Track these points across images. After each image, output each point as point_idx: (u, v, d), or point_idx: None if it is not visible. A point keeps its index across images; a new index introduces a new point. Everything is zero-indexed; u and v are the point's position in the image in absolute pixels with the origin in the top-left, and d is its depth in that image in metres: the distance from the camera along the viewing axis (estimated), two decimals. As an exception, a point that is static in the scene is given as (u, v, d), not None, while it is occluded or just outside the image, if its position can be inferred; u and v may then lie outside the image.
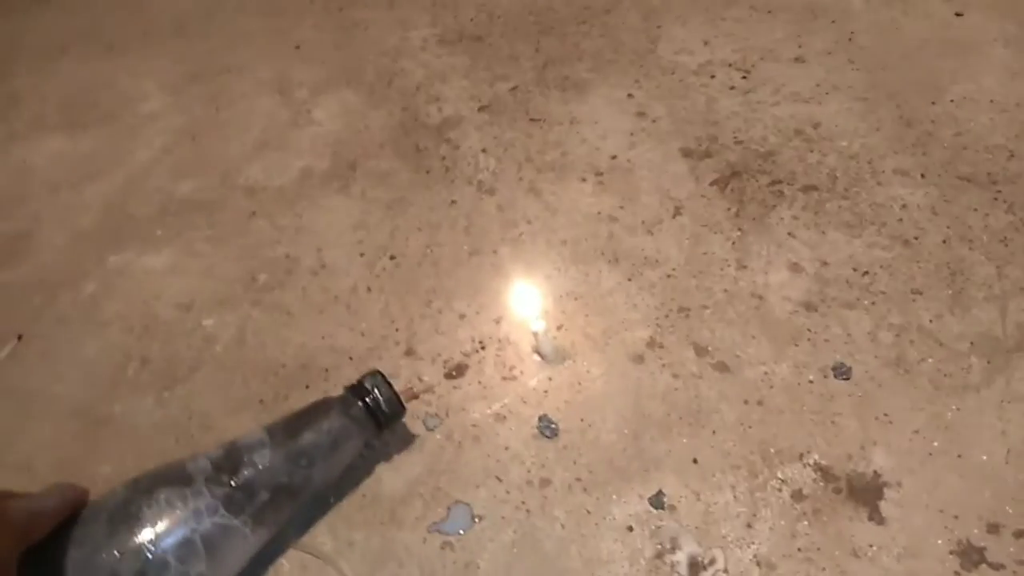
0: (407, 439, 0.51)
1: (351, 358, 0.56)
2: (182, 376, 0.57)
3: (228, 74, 0.86)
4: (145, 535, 0.40)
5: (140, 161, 0.76)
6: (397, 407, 0.48)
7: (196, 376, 0.56)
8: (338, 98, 0.80)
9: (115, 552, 0.40)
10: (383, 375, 0.48)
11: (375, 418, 0.47)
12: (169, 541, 0.40)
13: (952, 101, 0.70)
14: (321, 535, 0.47)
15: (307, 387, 0.55)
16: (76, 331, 0.61)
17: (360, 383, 0.47)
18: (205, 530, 0.41)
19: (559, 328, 0.57)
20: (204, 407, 0.54)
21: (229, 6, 0.96)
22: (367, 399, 0.47)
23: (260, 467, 0.43)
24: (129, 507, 0.41)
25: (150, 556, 0.40)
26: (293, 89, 0.82)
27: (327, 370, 0.56)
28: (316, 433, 0.45)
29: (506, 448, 0.50)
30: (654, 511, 0.46)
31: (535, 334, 0.55)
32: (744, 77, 0.76)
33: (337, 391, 0.49)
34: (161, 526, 0.41)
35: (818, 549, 0.44)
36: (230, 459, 0.44)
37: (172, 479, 0.43)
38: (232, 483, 0.42)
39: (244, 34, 0.91)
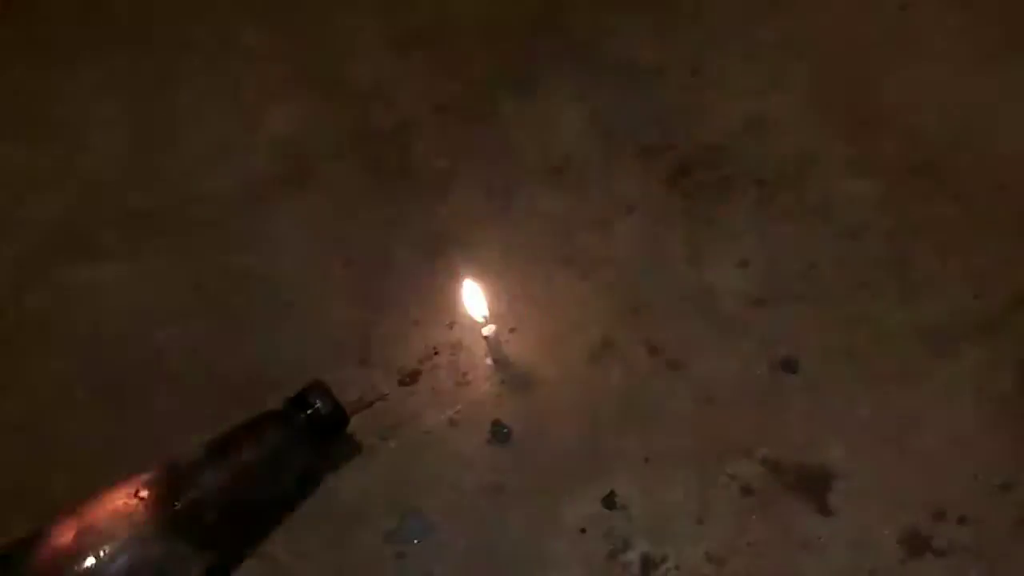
0: (360, 449, 0.51)
1: (306, 368, 0.56)
2: (131, 392, 0.56)
3: (176, 81, 0.84)
4: (91, 569, 0.40)
5: (88, 172, 0.75)
6: (339, 417, 0.47)
7: (146, 391, 0.56)
8: (290, 103, 0.79)
9: None
10: (324, 385, 0.47)
11: (318, 430, 0.46)
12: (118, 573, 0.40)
13: (899, 94, 0.71)
14: (277, 549, 0.47)
15: (260, 400, 0.54)
16: (21, 348, 0.60)
17: (301, 395, 0.47)
18: (154, 557, 0.41)
19: (512, 331, 0.57)
20: (155, 425, 0.54)
21: (170, 14, 0.95)
22: (309, 410, 0.46)
23: (204, 487, 0.43)
24: (74, 540, 0.40)
25: None
26: (243, 93, 0.81)
27: (279, 382, 0.55)
28: (259, 447, 0.45)
29: (459, 454, 0.50)
30: (606, 512, 0.47)
31: (487, 338, 0.55)
32: (693, 74, 0.76)
33: None
34: (106, 557, 0.40)
35: (767, 543, 0.45)
36: (172, 482, 0.43)
37: (114, 508, 0.42)
38: (176, 506, 0.42)
39: (192, 41, 0.90)
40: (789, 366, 0.52)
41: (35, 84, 0.88)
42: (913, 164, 0.64)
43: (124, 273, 0.65)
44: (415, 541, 0.46)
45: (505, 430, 0.51)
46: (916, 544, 0.44)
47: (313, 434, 0.46)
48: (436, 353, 0.56)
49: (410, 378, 0.55)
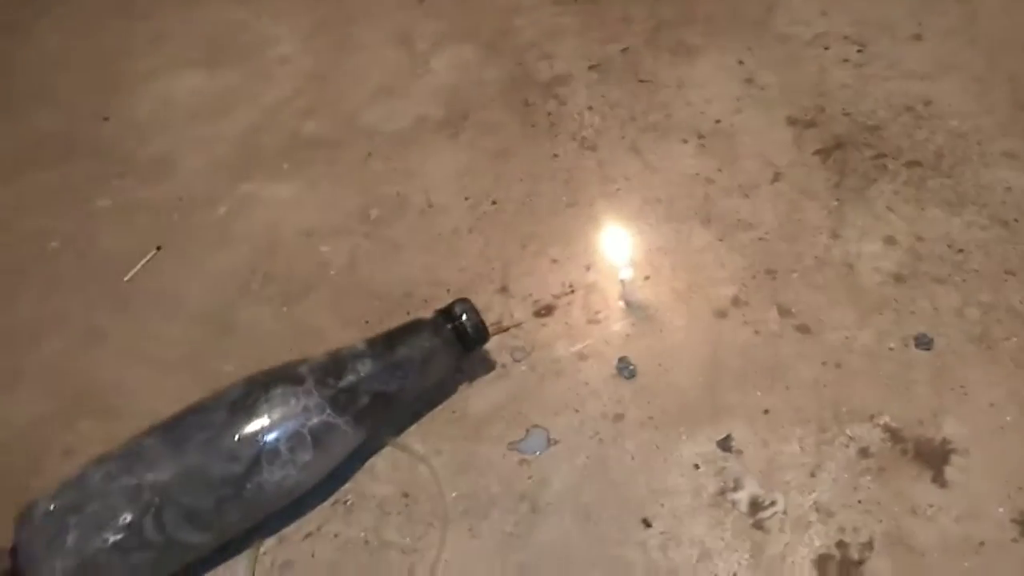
0: (494, 368, 0.55)
1: (449, 290, 0.61)
2: (299, 293, 0.62)
3: (355, 24, 0.91)
4: (260, 424, 0.46)
5: (271, 99, 0.82)
6: (482, 333, 0.52)
7: (311, 294, 0.62)
8: (456, 51, 0.84)
9: (234, 437, 0.46)
10: (471, 303, 0.52)
11: (462, 340, 0.51)
12: (281, 432, 0.46)
13: (1075, 86, 0.68)
14: (413, 442, 0.52)
15: (408, 313, 0.59)
16: (208, 246, 0.67)
17: (450, 308, 0.52)
18: (312, 425, 0.47)
19: (646, 279, 0.59)
20: (317, 322, 0.60)
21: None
22: (456, 323, 0.51)
23: (361, 374, 0.48)
24: (247, 399, 0.47)
25: (264, 443, 0.46)
26: (415, 41, 0.87)
27: (427, 300, 0.60)
28: (410, 348, 0.50)
29: (585, 383, 0.53)
30: (721, 453, 0.49)
31: (622, 282, 0.57)
32: (859, 51, 0.75)
33: None
34: (275, 418, 0.46)
35: (878, 503, 0.46)
36: (336, 366, 0.49)
37: (286, 378, 0.48)
38: (338, 386, 0.48)
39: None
40: (923, 343, 0.52)
41: (226, 18, 0.96)
42: (1082, 160, 0.62)
43: (296, 192, 0.71)
44: (537, 452, 0.50)
45: (631, 367, 0.54)
46: (1032, 526, 0.44)
47: (457, 343, 0.51)
48: (572, 291, 0.59)
49: (545, 310, 0.58)
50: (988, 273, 0.56)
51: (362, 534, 0.48)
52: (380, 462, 0.51)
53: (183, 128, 0.81)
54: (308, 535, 0.48)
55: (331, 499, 0.50)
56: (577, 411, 0.52)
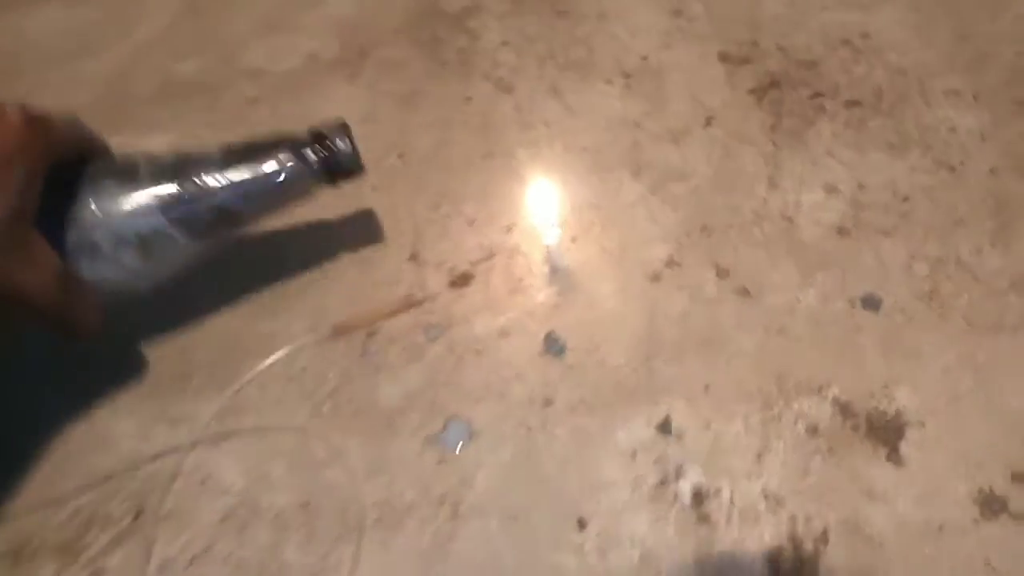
0: (407, 349, 0.49)
1: (351, 260, 0.54)
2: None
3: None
4: (88, 215, 0.40)
5: (140, 37, 0.72)
6: (353, 164, 0.46)
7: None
8: (351, -22, 0.74)
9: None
10: (348, 129, 0.46)
11: (328, 170, 0.46)
12: (104, 228, 0.41)
13: (1015, 17, 0.64)
14: (313, 436, 0.45)
15: (304, 289, 0.52)
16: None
17: (321, 131, 0.46)
18: (142, 231, 0.41)
19: (573, 240, 0.53)
20: (197, 302, 0.52)
21: None
22: (325, 151, 0.45)
23: (206, 184, 0.43)
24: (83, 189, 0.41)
25: (90, 234, 0.40)
26: (304, -34, 0.76)
27: (326, 271, 0.53)
28: (267, 170, 0.44)
29: (509, 364, 0.48)
30: (660, 437, 0.44)
31: (547, 246, 0.51)
32: (792, -23, 0.69)
33: (332, 298, 0.49)
34: (101, 212, 0.41)
35: (831, 487, 0.42)
36: (180, 169, 0.43)
37: (118, 171, 0.42)
38: (179, 193, 0.42)
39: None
40: (871, 303, 0.49)
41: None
42: (1022, 98, 0.59)
43: (173, 144, 0.62)
44: (457, 447, 0.45)
45: (559, 343, 0.48)
46: (991, 505, 0.41)
47: (323, 172, 0.46)
48: (491, 256, 0.53)
49: (462, 280, 0.52)
50: (935, 223, 0.52)
51: (258, 555, 0.42)
52: (275, 467, 0.44)
53: (38, 72, 0.70)
54: (194, 558, 0.42)
55: (219, 514, 0.43)
56: (501, 396, 0.46)
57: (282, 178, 0.44)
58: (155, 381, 0.48)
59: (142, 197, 0.41)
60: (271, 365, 0.49)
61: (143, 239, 0.41)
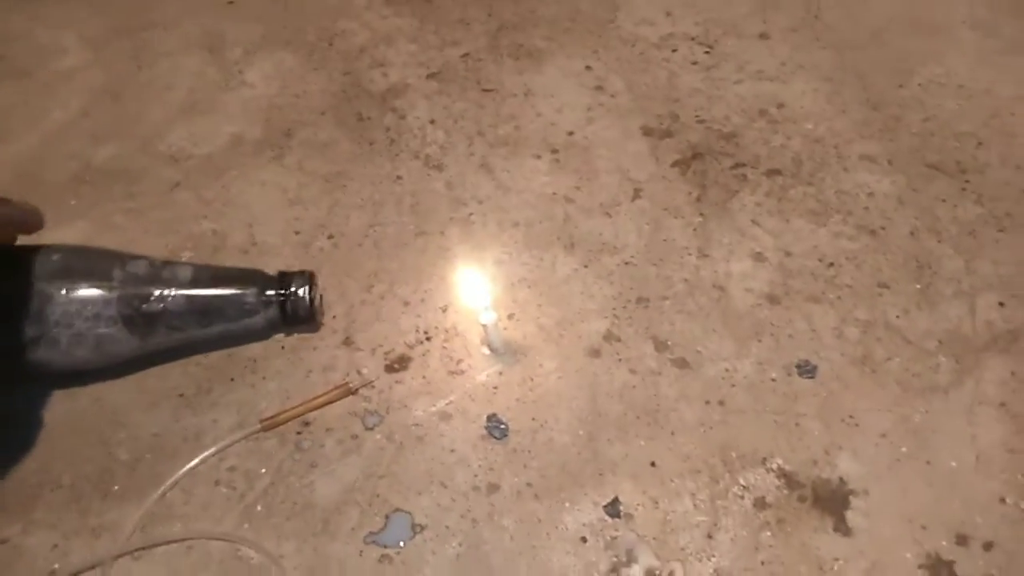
0: (343, 440, 0.47)
1: (282, 347, 0.52)
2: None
3: (153, 29, 0.78)
4: (54, 306, 0.45)
5: (55, 122, 0.69)
6: (305, 314, 0.50)
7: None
8: (274, 59, 0.74)
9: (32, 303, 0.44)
10: (312, 280, 0.50)
11: (284, 315, 0.50)
12: (65, 325, 0.45)
13: (920, 84, 0.68)
14: (246, 549, 0.43)
15: (232, 379, 0.50)
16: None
17: (287, 275, 0.50)
18: (99, 332, 0.45)
19: (510, 317, 0.53)
20: (120, 398, 0.49)
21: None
22: (285, 297, 0.49)
23: (170, 308, 0.47)
24: (53, 281, 0.45)
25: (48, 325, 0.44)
26: (224, 48, 0.76)
27: (254, 360, 0.51)
28: (229, 303, 0.48)
29: (451, 450, 0.46)
30: (609, 520, 0.43)
31: (484, 326, 0.50)
32: (707, 52, 0.72)
33: (262, 390, 0.48)
34: (68, 308, 0.45)
35: (782, 563, 0.41)
36: (149, 282, 0.47)
37: (95, 274, 0.46)
38: (140, 309, 0.46)
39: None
40: (806, 370, 0.49)
41: (-5, 23, 0.81)
42: (934, 161, 0.61)
43: (88, 234, 0.59)
44: (400, 544, 0.42)
45: (502, 425, 0.47)
46: (939, 570, 0.41)
47: (280, 316, 0.50)
48: (428, 338, 0.52)
49: (399, 363, 0.50)
50: (862, 287, 0.53)
51: None
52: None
53: (-58, 158, 0.66)
54: None
55: (147, 635, 0.40)
56: (444, 486, 0.45)
57: (240, 310, 0.49)
58: (75, 486, 0.45)
59: (110, 299, 0.45)
60: (197, 465, 0.46)
61: (98, 337, 0.45)
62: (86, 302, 0.45)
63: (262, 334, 0.51)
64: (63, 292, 0.45)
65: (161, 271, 0.48)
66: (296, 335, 0.52)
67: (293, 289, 0.49)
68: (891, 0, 0.76)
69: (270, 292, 0.49)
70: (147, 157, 0.65)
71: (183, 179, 0.63)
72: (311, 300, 0.50)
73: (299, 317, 0.50)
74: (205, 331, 0.49)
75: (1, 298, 0.44)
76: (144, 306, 0.46)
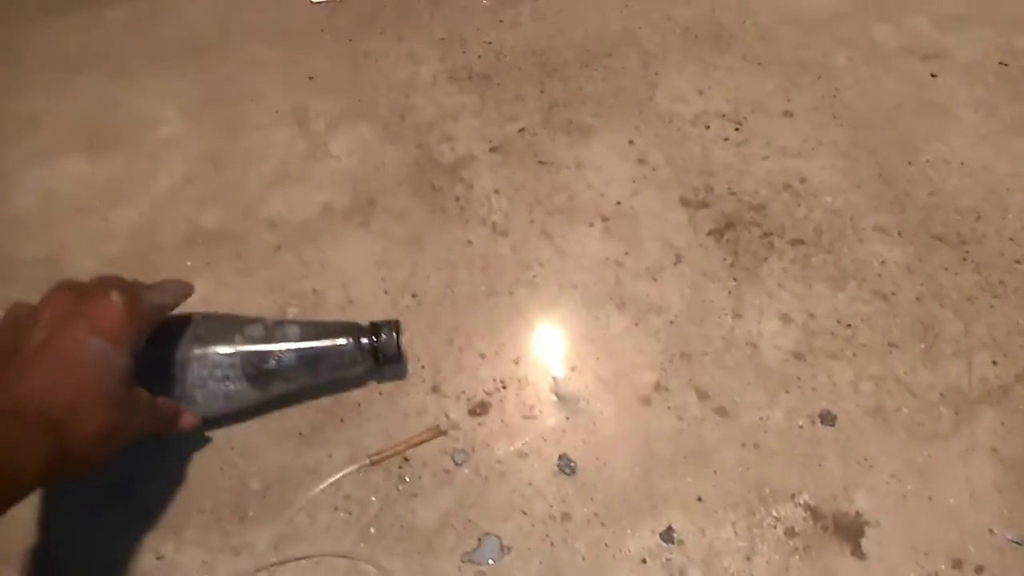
0: (438, 473, 0.56)
1: (381, 393, 0.61)
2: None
3: (244, 102, 0.89)
4: (192, 370, 0.54)
5: (162, 188, 0.79)
6: (395, 355, 0.58)
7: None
8: (354, 132, 0.84)
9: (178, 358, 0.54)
10: (398, 327, 0.58)
11: (375, 355, 0.58)
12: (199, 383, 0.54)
13: (927, 161, 0.77)
14: (364, 564, 0.52)
15: (342, 420, 0.59)
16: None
17: (377, 324, 0.58)
18: (227, 389, 0.55)
19: (572, 370, 0.62)
20: (245, 437, 0.59)
21: (241, 30, 0.99)
22: (374, 341, 0.57)
23: (281, 359, 0.55)
24: (190, 348, 0.54)
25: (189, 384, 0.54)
26: (310, 121, 0.86)
27: (359, 404, 0.60)
28: (331, 350, 0.57)
29: (529, 484, 0.55)
30: (664, 545, 0.52)
31: (553, 376, 0.60)
32: (737, 129, 0.82)
33: (366, 430, 0.59)
34: (202, 370, 0.54)
35: (808, 582, 0.50)
36: (268, 338, 0.56)
37: (222, 340, 0.55)
38: (260, 368, 0.55)
39: (257, 61, 0.94)
40: (827, 419, 0.58)
41: (103, 96, 0.91)
42: (939, 232, 0.70)
43: (204, 292, 0.69)
44: (491, 561, 0.52)
45: (572, 463, 0.56)
46: (939, 589, 0.50)
47: (370, 356, 0.58)
48: (504, 387, 0.61)
49: (480, 408, 0.60)
50: (874, 346, 0.62)
51: (327, 669, 0.48)
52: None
53: (68, 223, 0.77)
54: (269, 676, 0.48)
55: (288, 634, 0.49)
56: (525, 514, 0.54)
57: (341, 359, 0.57)
58: (216, 511, 0.55)
59: (235, 362, 0.54)
60: (318, 493, 0.55)
61: (227, 393, 0.54)
62: (216, 365, 0.54)
63: (361, 377, 0.61)
64: (197, 358, 0.53)
65: (274, 332, 0.56)
66: (391, 382, 0.61)
67: (383, 334, 0.57)
68: (902, 81, 0.85)
69: (364, 340, 0.57)
70: (249, 221, 0.75)
71: (283, 242, 0.73)
72: (398, 343, 0.58)
73: (388, 358, 0.58)
74: (313, 380, 0.58)
75: (155, 365, 0.52)
76: (263, 364, 0.55)
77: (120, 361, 0.46)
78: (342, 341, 0.57)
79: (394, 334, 0.58)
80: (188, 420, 0.53)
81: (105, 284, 0.48)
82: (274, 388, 0.57)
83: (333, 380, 0.60)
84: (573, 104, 0.85)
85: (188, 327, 0.55)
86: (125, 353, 0.46)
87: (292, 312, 0.67)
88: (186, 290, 0.56)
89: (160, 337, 0.53)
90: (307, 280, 0.70)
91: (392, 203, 0.76)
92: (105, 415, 0.44)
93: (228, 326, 0.56)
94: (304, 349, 0.56)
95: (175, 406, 0.52)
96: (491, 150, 0.81)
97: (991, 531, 0.52)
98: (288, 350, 0.56)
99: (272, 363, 0.55)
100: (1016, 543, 0.52)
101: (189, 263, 0.72)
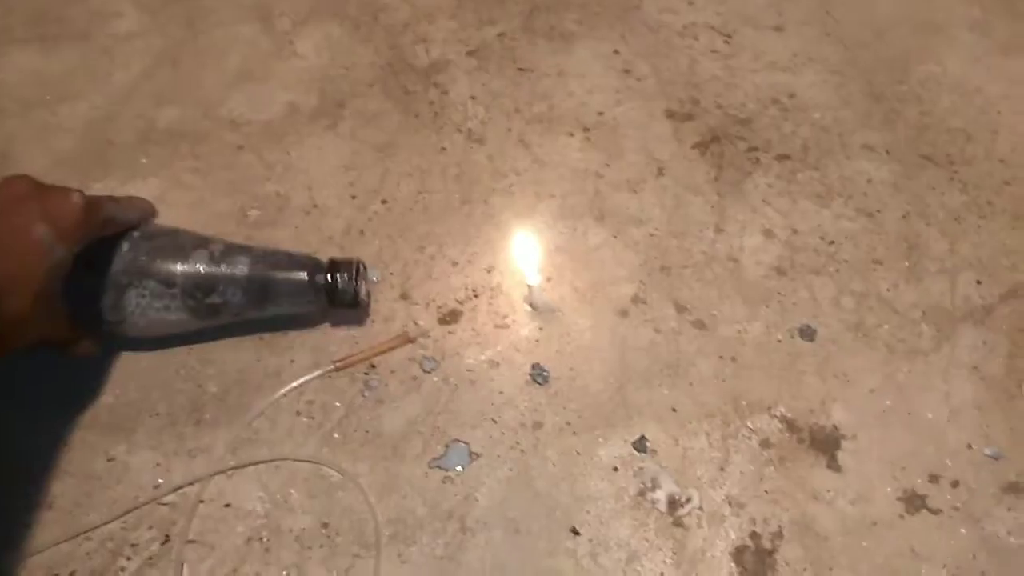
0: (405, 380, 0.54)
1: (347, 299, 0.58)
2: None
3: (206, -3, 0.83)
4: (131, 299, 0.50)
5: (118, 83, 0.75)
6: (351, 301, 0.53)
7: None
8: (322, 31, 0.79)
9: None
10: (360, 268, 0.53)
11: (330, 297, 0.53)
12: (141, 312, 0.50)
13: (918, 80, 0.74)
14: (327, 469, 0.50)
15: (305, 326, 0.57)
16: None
17: (337, 263, 0.53)
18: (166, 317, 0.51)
19: (548, 280, 0.60)
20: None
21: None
22: (330, 281, 0.52)
23: (230, 300, 0.51)
24: (129, 276, 0.50)
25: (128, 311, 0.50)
26: (274, 18, 0.81)
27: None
28: (281, 287, 0.52)
29: (500, 392, 0.53)
30: (637, 454, 0.51)
31: (527, 286, 0.57)
32: (726, 41, 0.78)
33: (331, 336, 0.56)
34: (141, 300, 0.50)
35: (782, 492, 0.49)
36: (209, 281, 0.51)
37: (168, 264, 0.50)
38: (204, 301, 0.51)
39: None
40: (807, 334, 0.56)
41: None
42: (927, 152, 0.68)
43: (161, 192, 0.65)
44: (459, 468, 0.50)
45: (544, 373, 0.54)
46: (913, 502, 0.49)
47: (323, 295, 0.53)
48: (475, 295, 0.59)
49: (450, 317, 0.57)
50: (858, 263, 0.61)
51: (284, 573, 0.46)
52: (293, 491, 0.49)
53: (16, 118, 0.72)
54: (224, 578, 0.46)
55: (244, 537, 0.47)
56: (495, 421, 0.52)
57: (292, 295, 0.53)
58: (171, 414, 0.52)
59: (175, 294, 0.50)
60: (280, 398, 0.53)
61: (170, 323, 0.51)
62: (156, 295, 0.50)
63: (314, 317, 0.56)
64: (136, 284, 0.49)
65: (220, 262, 0.51)
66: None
67: (340, 276, 0.52)
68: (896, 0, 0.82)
69: (319, 278, 0.52)
70: (209, 120, 0.71)
71: (245, 142, 0.69)
72: (356, 289, 0.53)
73: (344, 303, 0.53)
74: (260, 314, 0.53)
75: (96, 285, 0.49)
76: (206, 298, 0.51)
77: (61, 255, 0.43)
78: (295, 277, 0.52)
79: (354, 276, 0.53)
80: (85, 348, 0.50)
81: (69, 188, 0.45)
82: (219, 319, 0.53)
83: (282, 315, 0.54)
84: (556, 9, 0.81)
85: (134, 247, 0.51)
86: (68, 251, 0.43)
87: (253, 215, 0.64)
88: (149, 211, 0.53)
89: (104, 255, 0.49)
90: (270, 182, 0.66)
91: (362, 106, 0.72)
92: (31, 302, 0.42)
93: (174, 250, 0.51)
94: (252, 283, 0.51)
95: (76, 331, 0.49)
96: (468, 54, 0.77)
97: (969, 446, 0.51)
98: (234, 282, 0.51)
99: (215, 298, 0.51)
100: (993, 457, 0.51)
101: (144, 160, 0.68)
